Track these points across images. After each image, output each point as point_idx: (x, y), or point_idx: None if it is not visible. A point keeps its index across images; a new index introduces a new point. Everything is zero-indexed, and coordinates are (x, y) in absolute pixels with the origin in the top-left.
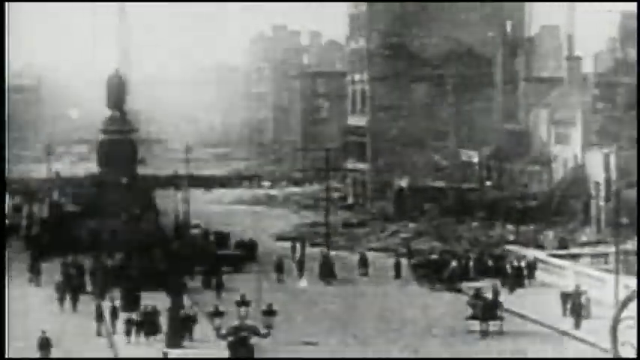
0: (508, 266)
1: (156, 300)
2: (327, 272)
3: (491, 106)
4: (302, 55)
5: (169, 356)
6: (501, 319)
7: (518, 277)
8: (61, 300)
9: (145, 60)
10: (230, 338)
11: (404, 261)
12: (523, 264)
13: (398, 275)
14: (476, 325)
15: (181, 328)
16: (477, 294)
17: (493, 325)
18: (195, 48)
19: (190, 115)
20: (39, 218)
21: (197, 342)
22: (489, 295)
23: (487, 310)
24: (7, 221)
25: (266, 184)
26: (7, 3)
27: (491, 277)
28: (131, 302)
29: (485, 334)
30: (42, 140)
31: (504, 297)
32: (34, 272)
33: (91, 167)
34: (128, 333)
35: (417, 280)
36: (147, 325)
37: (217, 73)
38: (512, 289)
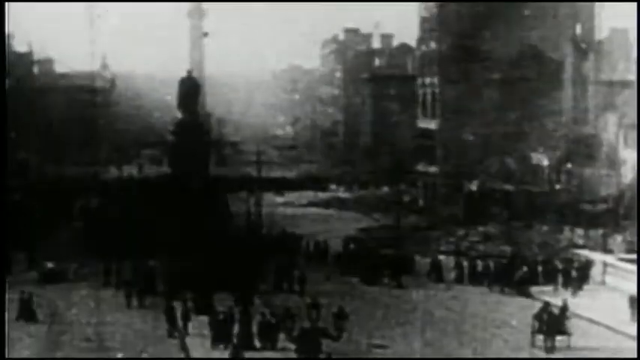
0: (573, 270)
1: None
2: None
3: (561, 109)
4: (373, 58)
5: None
6: (569, 334)
7: (582, 280)
8: (129, 300)
9: (219, 62)
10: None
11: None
12: (586, 267)
13: (460, 279)
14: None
15: (250, 331)
16: (545, 307)
17: (560, 341)
18: (268, 50)
19: (262, 117)
20: (111, 219)
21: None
22: (557, 301)
23: (553, 325)
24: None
25: (337, 186)
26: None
27: (558, 281)
28: (203, 304)
29: (550, 349)
30: (114, 142)
31: (570, 300)
32: (108, 274)
33: (163, 170)
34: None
35: (488, 284)
36: (219, 332)
37: (290, 76)
38: (575, 292)
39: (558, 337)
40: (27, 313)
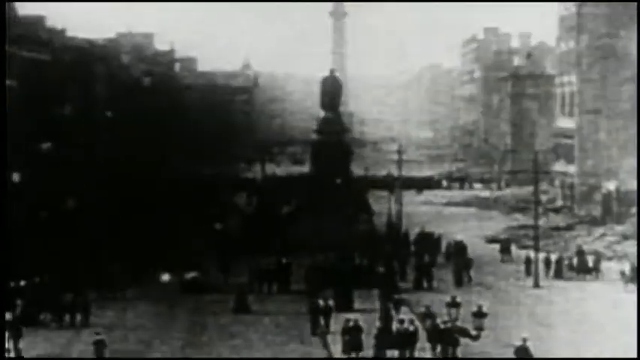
0: None
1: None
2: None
3: None
4: (512, 57)
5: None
6: None
7: None
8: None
9: (360, 61)
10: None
11: (613, 265)
12: None
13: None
14: None
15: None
16: None
17: None
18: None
19: (402, 116)
20: (252, 217)
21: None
22: None
23: None
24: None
25: (476, 185)
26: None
27: None
28: (344, 302)
29: None
30: (257, 140)
31: None
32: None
33: (305, 168)
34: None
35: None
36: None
37: (430, 75)
38: None
39: None
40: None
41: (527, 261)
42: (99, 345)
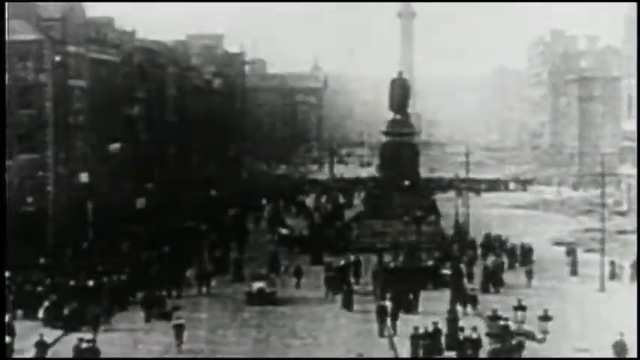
0: None
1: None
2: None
3: None
4: (579, 59)
5: None
6: None
7: None
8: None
9: (428, 63)
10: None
11: None
12: None
13: None
14: None
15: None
16: None
17: None
18: (475, 52)
19: (470, 118)
20: (320, 218)
21: None
22: None
23: None
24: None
25: (542, 188)
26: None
27: None
28: (409, 304)
29: None
30: (325, 142)
31: None
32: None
33: (372, 170)
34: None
35: None
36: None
37: (497, 77)
38: None
39: None
40: None
41: (593, 264)
42: (179, 328)
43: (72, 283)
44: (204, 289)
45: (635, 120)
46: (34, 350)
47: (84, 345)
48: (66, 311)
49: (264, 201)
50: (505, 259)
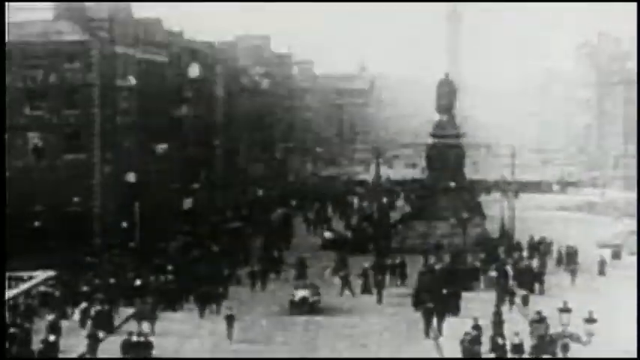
0: None
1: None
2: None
3: None
4: (624, 61)
5: None
6: None
7: None
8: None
9: (475, 64)
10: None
11: None
12: None
13: None
14: None
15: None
16: None
17: None
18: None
19: (516, 120)
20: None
21: None
22: None
23: None
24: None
25: (588, 190)
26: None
27: None
28: (453, 305)
29: None
30: (371, 143)
31: None
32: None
33: (417, 172)
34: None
35: None
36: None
37: (543, 79)
38: None
39: None
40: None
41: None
42: (230, 319)
43: (112, 281)
44: (256, 287)
45: None
46: (86, 342)
47: (134, 338)
48: (92, 312)
49: (309, 202)
50: (550, 261)
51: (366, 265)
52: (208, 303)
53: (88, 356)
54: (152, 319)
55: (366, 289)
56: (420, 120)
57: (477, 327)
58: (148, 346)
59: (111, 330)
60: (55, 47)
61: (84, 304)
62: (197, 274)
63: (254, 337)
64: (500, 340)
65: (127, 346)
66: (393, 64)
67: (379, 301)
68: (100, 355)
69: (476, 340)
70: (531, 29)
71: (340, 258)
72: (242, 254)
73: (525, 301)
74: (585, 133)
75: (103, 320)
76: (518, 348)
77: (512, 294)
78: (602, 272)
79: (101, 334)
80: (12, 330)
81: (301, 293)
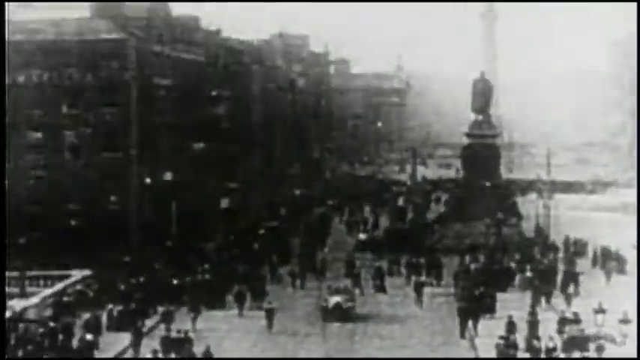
0: None
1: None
2: None
3: None
4: None
5: None
6: None
7: None
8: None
9: (510, 64)
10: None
11: None
12: None
13: None
14: None
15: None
16: None
17: None
18: (556, 52)
19: (551, 118)
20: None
21: None
22: None
23: None
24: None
25: (623, 190)
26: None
27: None
28: (489, 305)
29: None
30: (407, 142)
31: None
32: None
33: (452, 172)
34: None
35: None
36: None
37: (577, 78)
38: None
39: None
40: None
41: None
42: (270, 312)
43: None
44: (296, 285)
45: None
46: (130, 337)
47: (173, 334)
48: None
49: (346, 202)
50: (585, 262)
51: (378, 264)
52: (247, 301)
53: (126, 355)
54: (195, 314)
55: (380, 289)
56: (456, 119)
57: (510, 324)
58: (188, 341)
59: (137, 330)
60: (91, 45)
61: (110, 306)
62: (235, 272)
63: (295, 329)
64: (536, 344)
65: (166, 341)
66: (428, 63)
67: (420, 303)
68: (142, 349)
69: (512, 345)
70: (566, 27)
71: (372, 259)
72: (281, 253)
73: (568, 299)
74: (620, 133)
75: (127, 320)
76: (552, 352)
77: (549, 294)
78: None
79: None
80: (52, 324)
81: (335, 299)
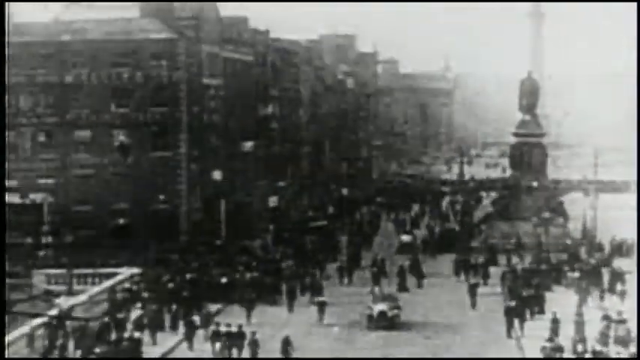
0: None
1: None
2: None
3: None
4: None
5: None
6: None
7: None
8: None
9: (557, 62)
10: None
11: None
12: None
13: None
14: None
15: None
16: None
17: None
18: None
19: (598, 118)
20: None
21: None
22: None
23: None
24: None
25: None
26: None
27: None
28: (535, 306)
29: None
30: (454, 141)
31: None
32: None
33: (498, 172)
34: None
35: None
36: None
37: (625, 76)
38: None
39: None
40: None
41: None
42: (321, 305)
43: (188, 277)
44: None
45: None
46: (183, 329)
47: (223, 328)
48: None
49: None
50: (631, 262)
51: (403, 263)
52: (297, 298)
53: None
54: (252, 309)
55: (402, 288)
56: (503, 119)
57: (554, 321)
58: (242, 336)
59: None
60: (140, 45)
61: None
62: (286, 270)
63: (345, 322)
64: (580, 347)
65: (216, 335)
66: (476, 63)
67: (473, 305)
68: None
69: (557, 348)
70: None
71: (414, 259)
72: (330, 251)
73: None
74: None
75: (177, 317)
76: (598, 354)
77: (602, 292)
78: None
79: (197, 322)
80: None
81: (379, 307)
